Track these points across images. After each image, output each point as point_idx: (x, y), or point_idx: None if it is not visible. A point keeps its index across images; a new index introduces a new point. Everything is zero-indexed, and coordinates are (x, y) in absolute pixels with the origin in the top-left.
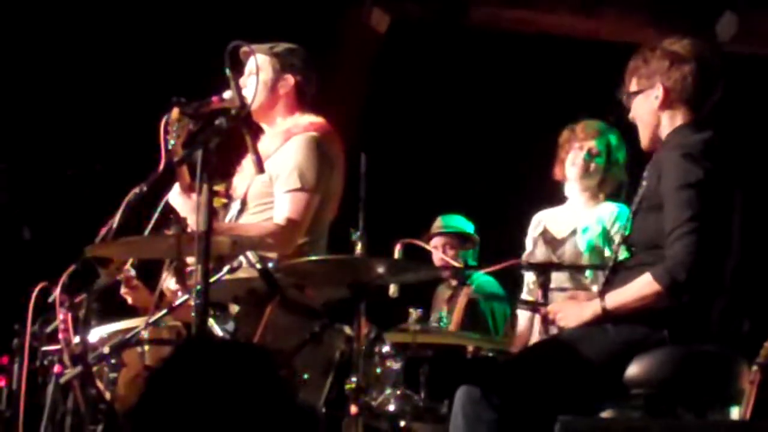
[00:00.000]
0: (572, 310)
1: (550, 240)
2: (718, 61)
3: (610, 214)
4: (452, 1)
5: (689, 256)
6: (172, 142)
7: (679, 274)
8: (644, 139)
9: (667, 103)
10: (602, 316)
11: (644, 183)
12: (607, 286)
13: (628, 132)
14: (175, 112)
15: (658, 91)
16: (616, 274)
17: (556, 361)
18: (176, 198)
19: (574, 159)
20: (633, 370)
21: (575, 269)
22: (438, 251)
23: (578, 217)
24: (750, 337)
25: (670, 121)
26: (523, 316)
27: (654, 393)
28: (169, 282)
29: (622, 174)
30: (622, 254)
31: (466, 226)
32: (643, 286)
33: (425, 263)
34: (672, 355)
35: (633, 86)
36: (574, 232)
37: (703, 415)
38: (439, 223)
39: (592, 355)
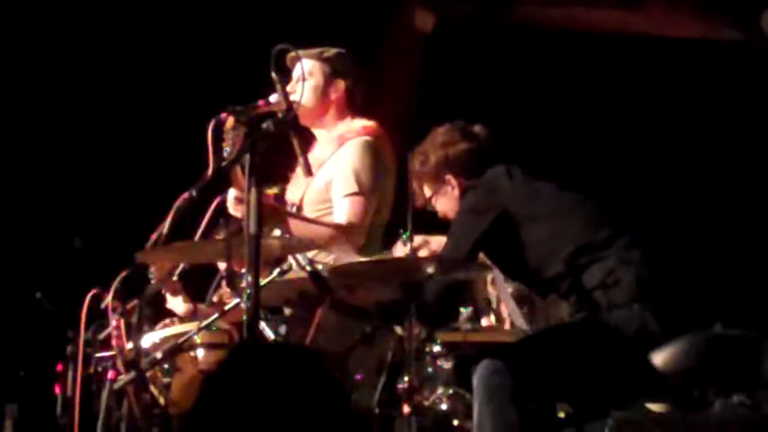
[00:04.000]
0: None
1: None
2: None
3: None
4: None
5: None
6: (227, 149)
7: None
8: None
9: None
10: None
11: None
12: None
13: None
14: (230, 120)
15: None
16: None
17: (569, 348)
18: (233, 202)
19: None
20: (657, 360)
21: None
22: None
23: None
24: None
25: None
26: None
27: (683, 383)
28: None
29: None
30: None
31: None
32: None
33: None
34: (693, 342)
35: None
36: None
37: (729, 396)
38: None
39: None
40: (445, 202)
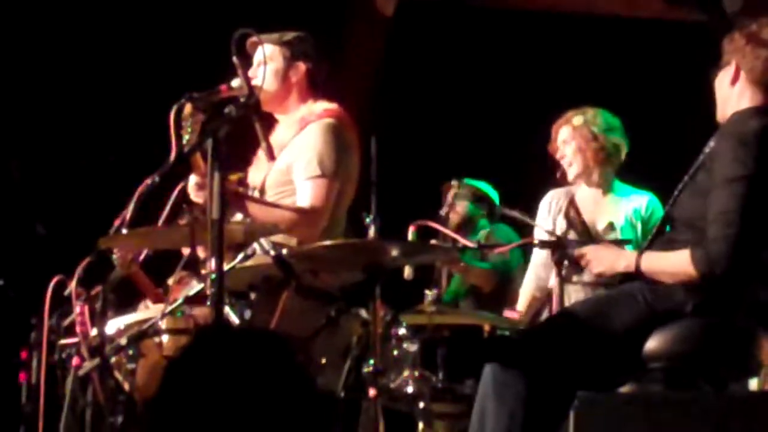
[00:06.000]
0: (606, 256)
1: (582, 226)
2: None
3: (646, 209)
4: None
5: (732, 249)
6: (186, 137)
7: (719, 266)
8: (718, 114)
9: (737, 81)
10: (633, 273)
11: (701, 161)
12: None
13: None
14: (188, 107)
15: (731, 68)
16: (652, 247)
17: (585, 329)
18: (193, 188)
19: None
20: (652, 343)
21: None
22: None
23: (610, 208)
24: None
25: (738, 100)
26: (526, 290)
27: (673, 367)
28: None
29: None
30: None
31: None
32: (680, 262)
33: (439, 244)
34: (691, 327)
35: (721, 63)
36: (612, 227)
37: (724, 387)
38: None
39: (622, 324)
40: (721, 80)
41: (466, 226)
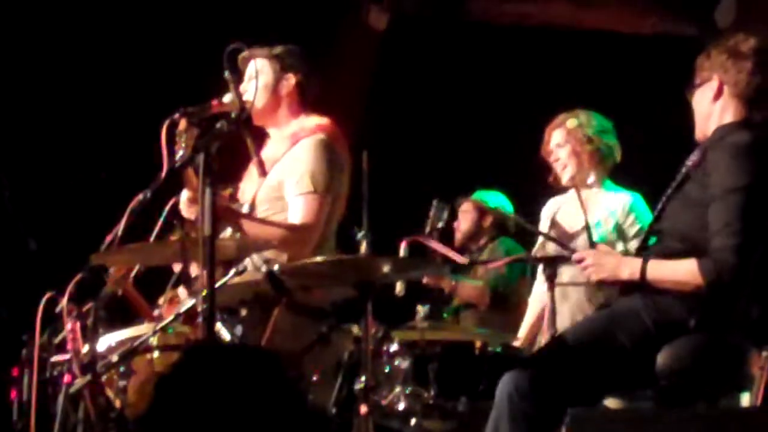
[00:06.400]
0: (609, 263)
1: (561, 234)
2: None
3: (623, 207)
4: None
5: (738, 259)
6: (180, 152)
7: (727, 275)
8: (697, 131)
9: (719, 96)
10: (637, 281)
11: (685, 172)
12: None
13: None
14: (182, 122)
15: (713, 84)
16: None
17: (592, 349)
18: (185, 204)
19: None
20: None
21: None
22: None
23: (588, 210)
24: (760, 323)
25: (721, 114)
26: (532, 307)
27: (665, 384)
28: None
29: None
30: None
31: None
32: (687, 272)
33: (431, 261)
34: (682, 345)
35: (696, 80)
36: (586, 227)
37: (715, 402)
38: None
39: (628, 342)
40: (701, 96)
41: (471, 240)
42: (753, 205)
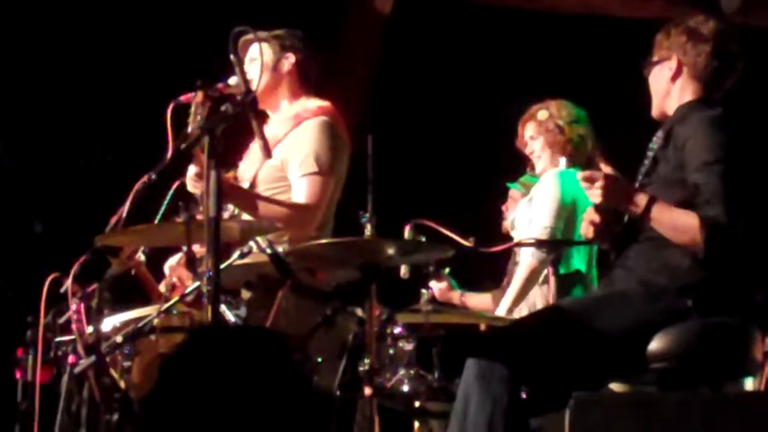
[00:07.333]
0: (618, 191)
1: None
2: (737, 47)
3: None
4: None
5: (731, 224)
6: (195, 126)
7: (721, 238)
8: (654, 108)
9: (678, 76)
10: (639, 216)
11: (653, 156)
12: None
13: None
14: (199, 95)
15: (672, 63)
16: (627, 246)
17: (575, 330)
18: (192, 178)
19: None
20: (650, 345)
21: (584, 245)
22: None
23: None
24: (764, 308)
25: (680, 94)
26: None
27: (669, 367)
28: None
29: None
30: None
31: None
32: (689, 222)
33: (436, 243)
34: (687, 328)
35: (654, 57)
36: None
37: (719, 387)
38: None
39: (615, 322)
40: (658, 74)
41: None
42: (735, 174)
